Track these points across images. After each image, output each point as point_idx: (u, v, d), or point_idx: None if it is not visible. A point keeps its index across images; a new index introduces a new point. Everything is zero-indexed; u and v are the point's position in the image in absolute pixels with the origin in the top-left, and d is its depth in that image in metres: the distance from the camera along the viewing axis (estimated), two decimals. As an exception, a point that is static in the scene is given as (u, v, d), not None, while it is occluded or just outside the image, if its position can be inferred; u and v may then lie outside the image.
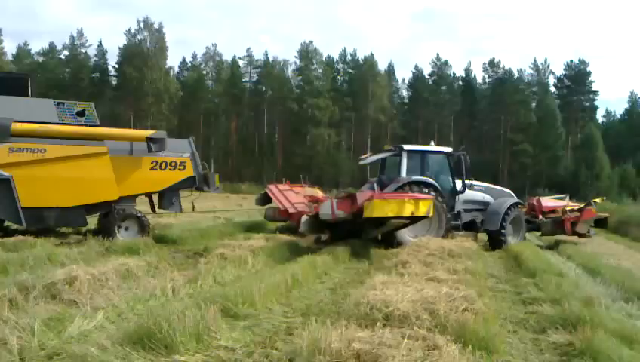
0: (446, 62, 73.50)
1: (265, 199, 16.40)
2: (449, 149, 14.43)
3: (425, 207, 10.62)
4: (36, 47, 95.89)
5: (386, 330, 4.31)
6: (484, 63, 74.51)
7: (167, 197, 12.86)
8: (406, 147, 13.71)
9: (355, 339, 3.96)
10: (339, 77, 73.62)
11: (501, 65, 71.74)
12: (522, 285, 8.30)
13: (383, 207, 10.43)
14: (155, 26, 65.03)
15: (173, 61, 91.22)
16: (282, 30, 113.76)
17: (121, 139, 12.39)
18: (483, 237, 14.69)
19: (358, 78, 69.74)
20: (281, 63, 71.79)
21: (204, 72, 72.50)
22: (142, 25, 64.84)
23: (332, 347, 3.82)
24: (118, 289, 6.49)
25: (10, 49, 67.68)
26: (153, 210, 13.70)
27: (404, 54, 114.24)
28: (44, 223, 11.76)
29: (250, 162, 65.91)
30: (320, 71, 69.98)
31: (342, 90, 70.44)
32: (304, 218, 12.10)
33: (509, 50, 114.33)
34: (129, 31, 65.19)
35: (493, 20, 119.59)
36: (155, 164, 12.35)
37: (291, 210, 14.49)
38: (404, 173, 13.22)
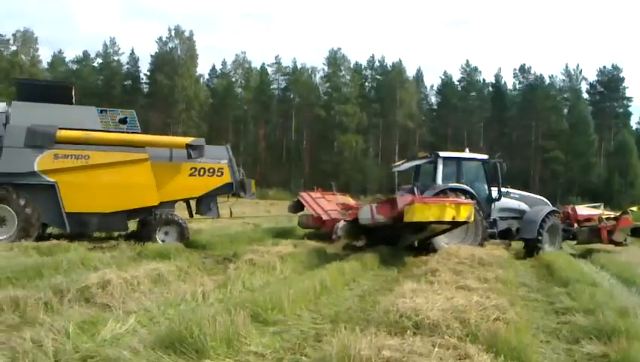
0: (475, 68, 73.02)
1: (297, 207, 16.55)
2: (485, 156, 14.33)
3: (466, 212, 10.46)
4: (70, 54, 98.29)
5: (417, 339, 4.27)
6: (515, 69, 73.77)
7: (205, 203, 13.05)
8: (442, 154, 13.66)
9: (385, 347, 3.93)
10: (367, 83, 73.66)
11: (532, 71, 71.00)
12: (555, 294, 8.13)
13: (424, 211, 10.25)
14: (186, 34, 66.24)
15: (203, 68, 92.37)
16: (311, 37, 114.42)
17: (161, 146, 12.65)
18: (515, 245, 14.49)
19: (386, 85, 69.64)
20: (309, 70, 72.21)
21: (234, 79, 73.28)
22: (173, 33, 66.10)
23: (362, 354, 3.79)
24: (150, 293, 6.57)
25: (45, 57, 69.66)
26: (191, 215, 13.87)
27: (432, 60, 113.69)
28: (87, 228, 12.14)
29: (278, 168, 66.21)
30: (348, 77, 70.15)
31: (370, 97, 70.42)
32: (341, 223, 12.18)
33: (540, 55, 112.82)
34: (160, 39, 66.54)
35: (524, 26, 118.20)
36: (193, 170, 12.55)
37: (325, 217, 14.57)
38: (439, 180, 13.15)
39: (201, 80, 70.45)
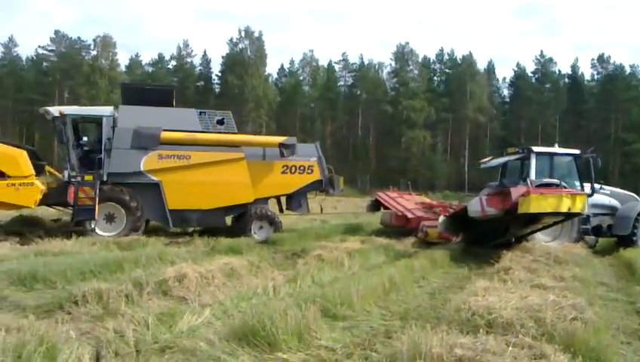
0: (550, 59, 70.32)
1: (375, 206, 16.67)
2: (577, 151, 13.94)
3: (581, 203, 10.15)
4: (146, 58, 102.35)
5: (490, 337, 4.18)
6: (593, 59, 70.38)
7: (296, 199, 13.56)
8: (535, 149, 13.44)
9: (457, 345, 3.87)
10: (435, 77, 72.42)
11: (611, 61, 67.52)
12: (636, 294, 7.74)
13: (540, 201, 9.94)
14: (256, 34, 67.37)
15: (272, 68, 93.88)
16: (377, 33, 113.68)
17: (255, 146, 13.18)
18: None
19: (456, 78, 68.25)
20: (376, 66, 71.81)
21: (301, 78, 73.93)
22: (243, 34, 67.45)
23: (433, 352, 3.75)
24: (224, 287, 6.74)
25: (123, 60, 72.71)
26: (281, 210, 14.26)
27: (505, 52, 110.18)
28: (188, 224, 12.88)
29: (344, 165, 66.19)
30: (416, 72, 69.17)
31: (438, 91, 69.25)
32: (441, 218, 12.25)
33: (619, 44, 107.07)
34: (231, 40, 68.08)
35: (602, 13, 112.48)
36: (285, 168, 13.06)
37: (409, 216, 14.60)
38: (533, 176, 12.87)
39: (270, 79, 71.61)
